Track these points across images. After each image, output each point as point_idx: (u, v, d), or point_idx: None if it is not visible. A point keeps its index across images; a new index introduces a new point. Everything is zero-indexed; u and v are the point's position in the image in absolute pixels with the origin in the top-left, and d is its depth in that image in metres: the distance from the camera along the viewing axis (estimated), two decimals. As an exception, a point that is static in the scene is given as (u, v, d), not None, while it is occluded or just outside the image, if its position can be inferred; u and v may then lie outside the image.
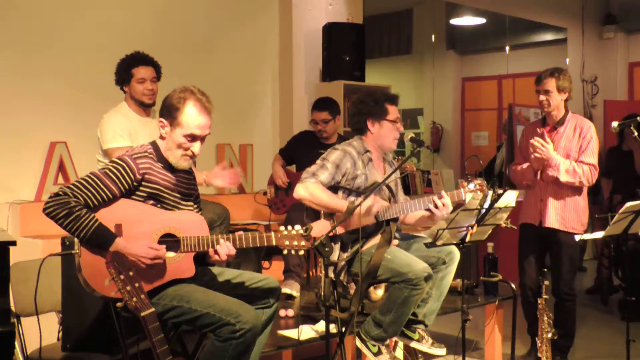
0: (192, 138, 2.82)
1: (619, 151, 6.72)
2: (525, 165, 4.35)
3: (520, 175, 4.39)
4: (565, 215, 4.26)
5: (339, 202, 3.43)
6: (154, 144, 2.90)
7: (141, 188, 2.79)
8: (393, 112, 3.61)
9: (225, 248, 2.79)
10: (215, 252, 2.80)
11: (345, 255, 3.48)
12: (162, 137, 2.88)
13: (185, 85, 2.87)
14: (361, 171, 3.53)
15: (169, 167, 2.88)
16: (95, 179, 2.70)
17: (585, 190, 4.33)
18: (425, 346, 3.57)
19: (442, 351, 3.62)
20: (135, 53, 3.98)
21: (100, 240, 2.66)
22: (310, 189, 3.43)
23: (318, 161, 3.55)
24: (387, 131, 3.59)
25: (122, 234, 2.71)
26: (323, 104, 4.81)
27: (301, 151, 4.83)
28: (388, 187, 3.66)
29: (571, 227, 4.26)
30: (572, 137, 4.22)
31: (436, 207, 3.38)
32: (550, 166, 4.14)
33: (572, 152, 4.21)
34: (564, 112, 4.26)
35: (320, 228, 3.39)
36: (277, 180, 4.89)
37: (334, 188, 3.51)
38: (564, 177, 4.14)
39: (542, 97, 4.21)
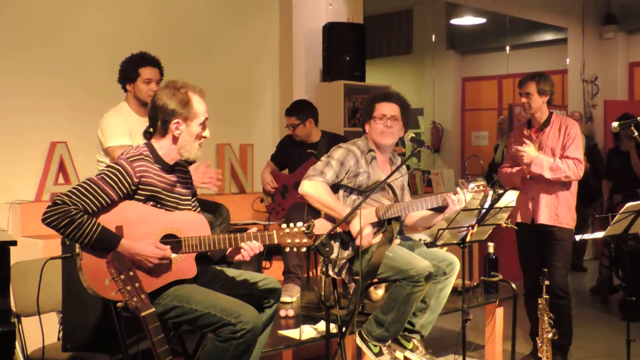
0: (204, 124, 2.88)
1: (618, 152, 6.74)
2: (514, 169, 4.41)
3: (507, 178, 4.47)
4: (558, 212, 4.31)
5: (341, 207, 3.44)
6: (148, 145, 2.86)
7: (139, 191, 2.76)
8: (379, 108, 3.63)
9: (257, 249, 2.82)
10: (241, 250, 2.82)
11: (345, 254, 3.48)
12: (174, 140, 2.84)
13: (170, 81, 2.89)
14: (364, 169, 3.54)
15: (166, 167, 2.86)
16: (92, 185, 2.67)
17: (574, 186, 4.37)
18: (417, 356, 3.55)
19: None
20: (143, 53, 3.97)
21: (105, 244, 2.63)
22: (317, 187, 3.44)
23: (323, 158, 3.56)
24: (373, 127, 3.63)
25: (122, 235, 2.69)
26: (291, 110, 4.76)
27: (290, 153, 4.83)
28: (391, 188, 3.66)
29: (565, 223, 4.32)
30: (557, 137, 4.32)
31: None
32: (535, 164, 4.22)
33: (557, 150, 4.30)
34: (548, 114, 4.37)
35: (320, 226, 3.39)
36: (265, 187, 4.86)
37: (335, 186, 3.52)
38: (548, 174, 4.22)
39: (524, 100, 4.37)
